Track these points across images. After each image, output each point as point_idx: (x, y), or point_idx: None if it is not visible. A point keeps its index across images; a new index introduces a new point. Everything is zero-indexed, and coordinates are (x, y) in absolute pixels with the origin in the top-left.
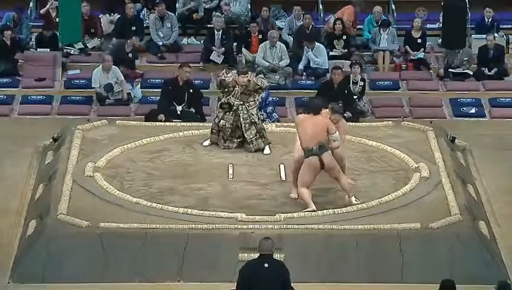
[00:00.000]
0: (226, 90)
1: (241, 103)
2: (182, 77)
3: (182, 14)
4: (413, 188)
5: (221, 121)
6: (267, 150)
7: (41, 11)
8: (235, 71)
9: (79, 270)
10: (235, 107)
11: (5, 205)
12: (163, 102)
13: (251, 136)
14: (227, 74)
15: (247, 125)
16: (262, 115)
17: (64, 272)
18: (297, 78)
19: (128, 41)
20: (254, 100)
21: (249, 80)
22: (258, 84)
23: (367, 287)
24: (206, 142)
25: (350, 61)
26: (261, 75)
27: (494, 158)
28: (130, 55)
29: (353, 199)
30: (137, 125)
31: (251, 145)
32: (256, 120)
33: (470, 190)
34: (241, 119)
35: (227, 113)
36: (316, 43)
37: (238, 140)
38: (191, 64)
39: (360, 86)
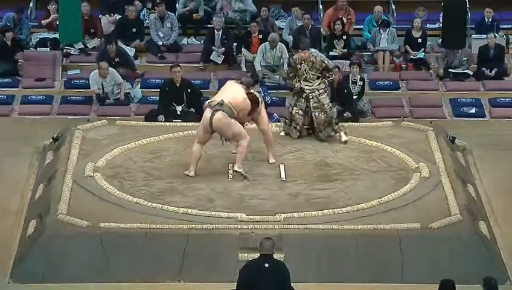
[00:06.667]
0: (296, 72)
1: (312, 89)
2: (174, 78)
3: (182, 14)
4: (413, 188)
5: (294, 108)
6: (344, 137)
7: (43, 22)
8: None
9: (79, 270)
10: (305, 94)
11: (5, 205)
12: (162, 103)
13: (320, 125)
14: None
15: (316, 113)
16: None
17: (64, 272)
18: None
19: (109, 46)
20: (324, 88)
21: (314, 56)
22: (324, 63)
23: (367, 287)
24: (282, 132)
25: (350, 61)
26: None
27: (494, 158)
28: (117, 59)
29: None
30: (137, 125)
31: (320, 134)
32: (327, 109)
33: (470, 190)
34: (311, 107)
35: (299, 100)
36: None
37: (306, 127)
38: (191, 65)
39: (359, 85)
